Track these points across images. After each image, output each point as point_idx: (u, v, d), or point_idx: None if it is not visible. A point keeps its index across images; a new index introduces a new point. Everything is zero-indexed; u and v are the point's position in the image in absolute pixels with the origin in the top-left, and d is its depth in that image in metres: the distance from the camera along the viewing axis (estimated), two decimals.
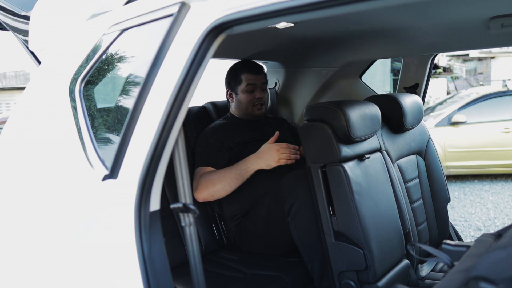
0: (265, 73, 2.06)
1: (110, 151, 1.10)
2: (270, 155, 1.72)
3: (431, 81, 5.28)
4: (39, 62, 1.59)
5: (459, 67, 14.51)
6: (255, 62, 2.08)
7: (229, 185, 1.74)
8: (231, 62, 2.15)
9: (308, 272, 1.65)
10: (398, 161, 1.84)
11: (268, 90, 2.44)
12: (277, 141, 2.03)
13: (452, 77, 13.92)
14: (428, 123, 5.71)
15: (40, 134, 1.31)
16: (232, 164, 1.82)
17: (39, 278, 1.18)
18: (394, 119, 1.83)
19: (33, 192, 1.26)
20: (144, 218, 0.98)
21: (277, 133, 1.79)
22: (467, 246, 0.78)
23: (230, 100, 2.06)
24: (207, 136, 1.92)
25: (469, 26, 1.55)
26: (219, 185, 1.73)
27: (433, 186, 2.01)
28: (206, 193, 1.74)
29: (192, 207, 0.97)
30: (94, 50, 1.25)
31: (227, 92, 2.06)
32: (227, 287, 1.59)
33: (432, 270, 1.84)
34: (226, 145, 1.89)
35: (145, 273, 0.97)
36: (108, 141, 1.17)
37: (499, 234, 0.74)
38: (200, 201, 1.77)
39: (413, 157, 1.96)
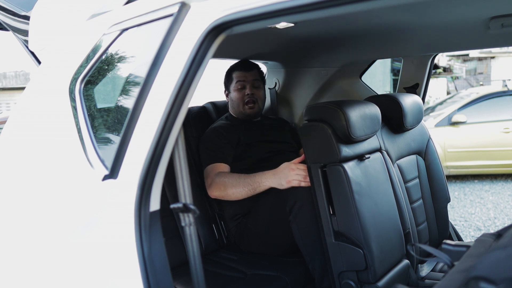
0: (259, 71, 2.06)
1: (110, 151, 1.10)
2: (284, 174, 1.62)
3: (431, 81, 5.28)
4: (39, 62, 1.59)
5: (459, 67, 14.51)
6: (248, 61, 2.08)
7: (240, 194, 1.72)
8: (231, 62, 2.15)
9: (308, 272, 1.65)
10: (398, 161, 1.84)
11: (268, 90, 2.44)
12: (278, 142, 2.03)
13: (452, 77, 13.92)
14: (428, 123, 5.71)
15: (40, 134, 1.31)
16: (236, 163, 1.85)
17: (40, 278, 1.18)
18: (394, 119, 1.83)
19: (33, 192, 1.26)
20: (144, 218, 0.98)
21: (303, 155, 1.62)
22: (467, 246, 0.78)
23: (227, 101, 2.08)
24: (211, 135, 1.93)
25: (469, 26, 1.55)
26: (231, 190, 1.73)
27: (433, 186, 2.01)
28: (218, 193, 1.76)
29: (192, 207, 0.97)
30: (94, 50, 1.25)
31: (224, 92, 2.09)
32: (227, 287, 1.59)
33: (432, 270, 1.84)
34: (232, 143, 1.90)
35: (145, 273, 0.97)
36: (108, 141, 1.17)
37: (499, 234, 0.74)
38: (212, 197, 1.80)
39: (413, 157, 1.96)
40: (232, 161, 1.88)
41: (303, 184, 1.59)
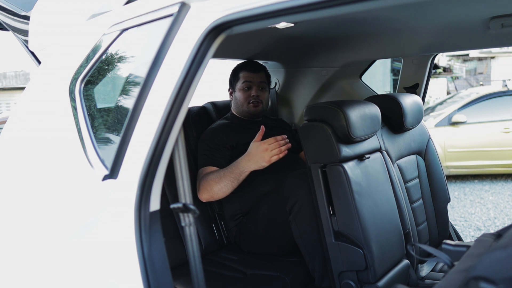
0: (266, 73, 2.07)
1: (110, 151, 1.10)
2: (260, 157, 1.65)
3: (431, 81, 5.28)
4: (39, 62, 1.59)
5: (459, 67, 14.51)
6: (256, 62, 2.09)
7: (226, 187, 1.72)
8: (232, 63, 2.16)
9: (308, 272, 1.65)
10: (398, 161, 1.84)
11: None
12: None
13: (452, 77, 13.92)
14: (428, 123, 5.71)
15: (40, 134, 1.31)
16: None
17: (40, 277, 1.18)
18: (394, 119, 1.83)
19: (34, 192, 1.26)
20: (144, 218, 0.98)
21: (262, 128, 1.70)
22: (467, 246, 0.78)
23: (230, 99, 2.08)
24: (208, 136, 1.92)
25: (469, 26, 1.55)
26: (216, 187, 1.73)
27: (433, 186, 2.01)
28: (206, 195, 1.76)
29: (192, 207, 0.97)
30: (94, 50, 1.25)
31: (228, 90, 2.08)
32: (227, 287, 1.59)
33: (432, 270, 1.84)
34: (228, 145, 1.89)
35: (145, 273, 0.97)
36: (108, 141, 1.17)
37: (499, 234, 0.74)
38: (203, 201, 1.79)
39: (413, 157, 1.96)
40: (228, 162, 1.87)
41: (281, 155, 1.65)
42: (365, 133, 1.54)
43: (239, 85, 2.00)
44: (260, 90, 2.01)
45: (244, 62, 2.09)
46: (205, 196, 1.76)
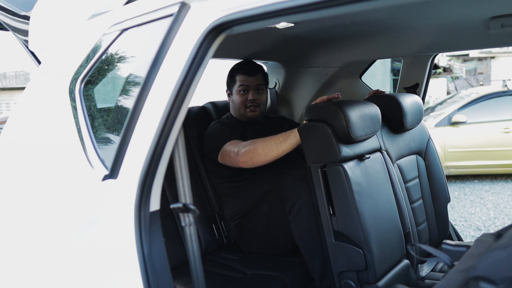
0: (263, 74, 2.03)
1: (110, 151, 1.10)
2: None
3: (431, 81, 5.28)
4: (39, 62, 1.59)
5: (459, 67, 14.51)
6: (252, 63, 2.06)
7: (269, 149, 1.64)
8: (231, 62, 2.15)
9: (308, 272, 1.65)
10: (398, 161, 1.84)
11: (268, 90, 2.44)
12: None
13: (452, 77, 13.92)
14: (428, 123, 5.71)
15: (40, 134, 1.31)
16: None
17: (40, 277, 1.18)
18: (394, 119, 1.83)
19: (34, 192, 1.26)
20: (144, 218, 0.98)
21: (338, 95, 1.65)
22: (467, 246, 0.78)
23: (228, 100, 2.07)
24: (218, 125, 1.92)
25: (469, 26, 1.55)
26: (261, 148, 1.65)
27: (433, 186, 2.01)
28: (246, 157, 1.68)
29: (192, 207, 0.97)
30: (94, 50, 1.25)
31: (226, 92, 2.07)
32: (227, 287, 1.59)
33: (432, 270, 1.84)
34: (237, 136, 1.87)
35: (145, 273, 0.97)
36: (108, 141, 1.17)
37: (499, 234, 0.74)
38: (240, 165, 1.72)
39: (413, 157, 1.96)
40: None
41: None
42: (365, 133, 1.54)
43: (235, 88, 1.98)
44: (257, 93, 1.98)
45: (240, 63, 2.06)
46: (244, 158, 1.68)
